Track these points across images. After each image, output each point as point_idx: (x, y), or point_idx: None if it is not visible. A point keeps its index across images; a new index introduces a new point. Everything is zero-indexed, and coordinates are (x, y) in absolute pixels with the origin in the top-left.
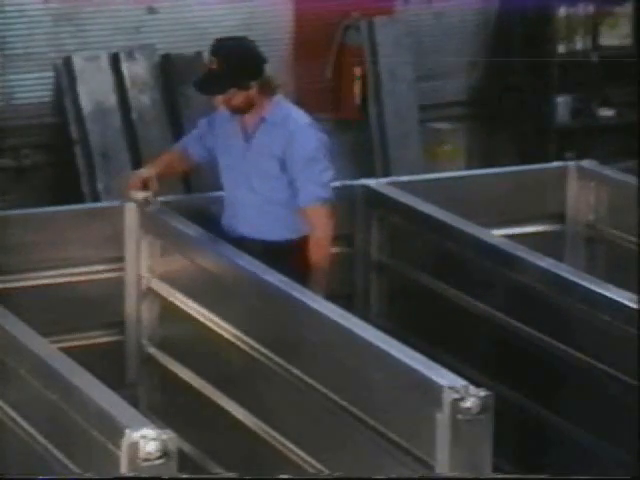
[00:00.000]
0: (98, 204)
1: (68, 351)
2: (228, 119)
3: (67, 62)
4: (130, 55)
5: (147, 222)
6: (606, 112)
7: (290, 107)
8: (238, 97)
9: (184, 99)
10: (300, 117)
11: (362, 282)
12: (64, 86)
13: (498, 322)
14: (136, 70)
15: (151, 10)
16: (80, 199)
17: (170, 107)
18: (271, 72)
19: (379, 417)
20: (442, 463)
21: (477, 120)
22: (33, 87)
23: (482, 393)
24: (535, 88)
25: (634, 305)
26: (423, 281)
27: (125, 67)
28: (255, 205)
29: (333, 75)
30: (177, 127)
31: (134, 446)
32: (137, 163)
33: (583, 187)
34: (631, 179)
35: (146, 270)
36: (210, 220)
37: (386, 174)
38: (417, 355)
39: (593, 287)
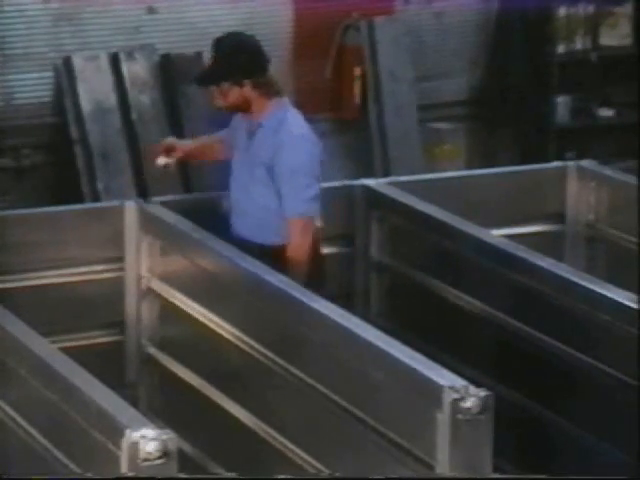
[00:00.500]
0: (98, 204)
1: (68, 351)
2: (239, 120)
3: (67, 62)
4: (130, 55)
5: (147, 222)
6: (606, 112)
7: (289, 113)
8: (233, 93)
9: (184, 99)
10: (295, 126)
11: (362, 282)
12: (64, 86)
13: (498, 322)
14: (136, 70)
15: (151, 10)
16: (80, 199)
17: (170, 107)
18: (273, 74)
19: (379, 417)
20: (442, 463)
21: (477, 120)
22: (33, 87)
23: (482, 393)
24: (535, 88)
25: (634, 305)
26: (423, 281)
27: (125, 67)
28: (250, 208)
29: (333, 75)
30: (177, 127)
31: (134, 446)
32: (137, 163)
33: (583, 187)
34: (631, 179)
35: (146, 270)
36: (213, 219)
37: (386, 174)
38: (417, 355)
39: (593, 287)
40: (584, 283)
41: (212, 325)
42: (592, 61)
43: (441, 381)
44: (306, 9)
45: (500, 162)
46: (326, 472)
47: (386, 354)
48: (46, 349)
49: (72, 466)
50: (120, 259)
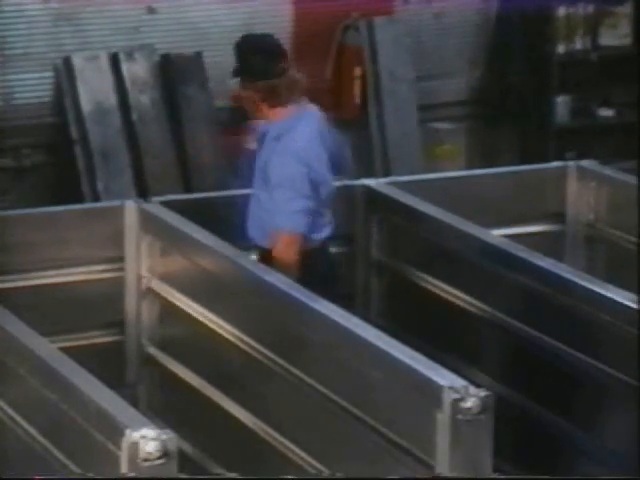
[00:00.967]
0: (98, 204)
1: (68, 351)
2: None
3: (67, 62)
4: (130, 55)
5: (147, 222)
6: (606, 112)
7: (300, 122)
8: (243, 94)
9: (184, 99)
10: (293, 139)
11: (362, 282)
12: (64, 86)
13: (498, 322)
14: (136, 70)
15: (151, 10)
16: (80, 199)
17: (170, 107)
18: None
19: (379, 417)
20: (442, 463)
21: (477, 120)
22: (33, 87)
23: (482, 393)
24: (535, 88)
25: (634, 305)
26: (423, 281)
27: (125, 67)
28: (256, 210)
29: (333, 75)
30: (177, 127)
31: (134, 446)
32: (137, 163)
33: (583, 187)
34: (631, 179)
35: (146, 270)
36: (213, 219)
37: (386, 174)
38: (417, 355)
39: (593, 287)
40: (584, 283)
41: (212, 325)
42: (592, 61)
43: (441, 381)
44: (306, 9)
45: (500, 162)
46: (326, 472)
47: (386, 354)
48: (46, 349)
49: (72, 466)
50: (120, 259)
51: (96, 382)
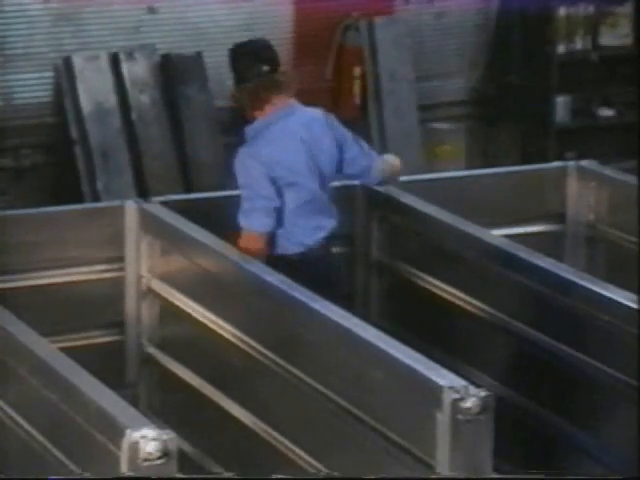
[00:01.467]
0: (98, 204)
1: (68, 351)
2: None
3: (67, 62)
4: (130, 55)
5: (147, 222)
6: (606, 112)
7: (268, 126)
8: (235, 96)
9: (184, 99)
10: (259, 142)
11: (362, 282)
12: (64, 86)
13: (498, 322)
14: (136, 70)
15: (151, 10)
16: (80, 199)
17: (170, 107)
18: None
19: (379, 417)
20: (442, 463)
21: (477, 120)
22: (33, 87)
23: (482, 393)
24: (535, 88)
25: (634, 305)
26: (423, 281)
27: (125, 67)
28: None
29: (333, 75)
30: (177, 127)
31: (134, 446)
32: (137, 163)
33: (583, 187)
34: (631, 179)
35: (146, 270)
36: (213, 219)
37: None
38: (417, 355)
39: (593, 287)
40: (584, 283)
41: (212, 325)
42: (592, 61)
43: (441, 381)
44: (306, 9)
45: (500, 162)
46: (326, 472)
47: (386, 354)
48: (46, 349)
49: (72, 466)
50: (120, 259)
51: (96, 382)
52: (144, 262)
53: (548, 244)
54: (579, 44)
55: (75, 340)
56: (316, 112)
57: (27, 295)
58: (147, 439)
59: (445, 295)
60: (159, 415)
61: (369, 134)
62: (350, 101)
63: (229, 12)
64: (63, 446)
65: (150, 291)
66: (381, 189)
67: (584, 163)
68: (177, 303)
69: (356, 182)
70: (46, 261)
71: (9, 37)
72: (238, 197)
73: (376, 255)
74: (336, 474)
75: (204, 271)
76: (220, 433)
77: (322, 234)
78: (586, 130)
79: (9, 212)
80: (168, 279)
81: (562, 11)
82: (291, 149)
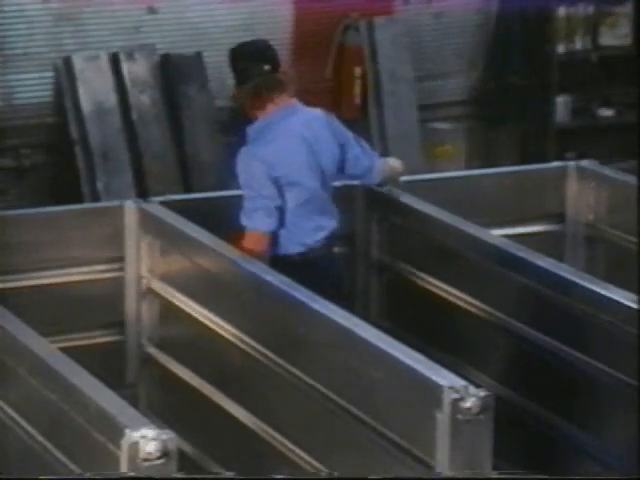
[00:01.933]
0: (98, 204)
1: (68, 351)
2: None
3: (67, 62)
4: (130, 55)
5: (147, 222)
6: (606, 112)
7: (269, 125)
8: (236, 96)
9: (184, 99)
10: (260, 142)
11: (362, 282)
12: (64, 86)
13: (498, 322)
14: (136, 70)
15: (151, 10)
16: (80, 199)
17: (170, 107)
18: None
19: (379, 417)
20: (442, 463)
21: (477, 120)
22: (33, 87)
23: (482, 393)
24: (535, 88)
25: (634, 305)
26: (423, 281)
27: (125, 67)
28: None
29: (333, 75)
30: (177, 127)
31: (134, 446)
32: (137, 163)
33: (583, 187)
34: (631, 179)
35: (146, 270)
36: (213, 219)
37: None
38: (417, 355)
39: (593, 287)
40: (584, 283)
41: (212, 325)
42: (592, 61)
43: (441, 381)
44: (306, 9)
45: (500, 162)
46: (326, 472)
47: (386, 354)
48: (46, 349)
49: (72, 466)
50: (120, 259)
51: (96, 382)
52: (144, 262)
53: (548, 244)
54: (579, 44)
55: (75, 340)
56: (317, 112)
57: (27, 295)
58: (147, 439)
59: (445, 295)
60: (159, 415)
61: (369, 134)
62: (350, 101)
63: (229, 12)
64: (63, 446)
65: (150, 291)
66: (381, 189)
67: (584, 163)
68: (177, 303)
69: (357, 182)
70: (46, 261)
71: (9, 37)
72: (238, 197)
73: (376, 255)
74: (336, 474)
75: (204, 271)
76: (220, 433)
77: (323, 234)
78: (586, 130)
79: (9, 212)
80: (168, 279)
81: (562, 11)
82: (292, 148)
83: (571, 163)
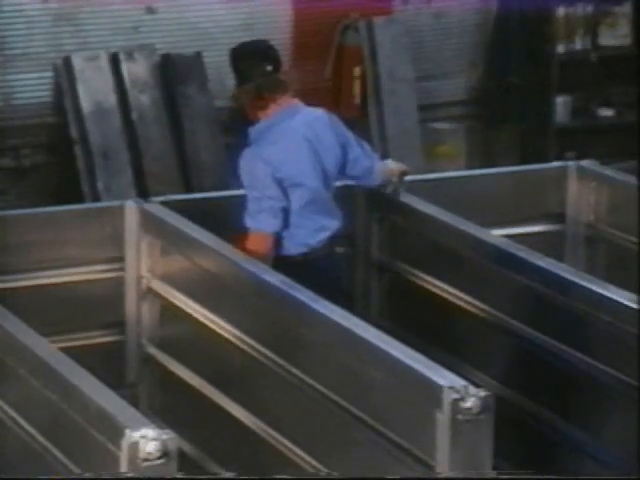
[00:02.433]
0: (98, 204)
1: (68, 351)
2: None
3: (67, 62)
4: (130, 55)
5: (147, 222)
6: (606, 112)
7: (273, 126)
8: (238, 99)
9: (184, 99)
10: (263, 142)
11: (362, 282)
12: (64, 86)
13: (498, 322)
14: (136, 70)
15: (150, 10)
16: (80, 199)
17: (170, 107)
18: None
19: (379, 417)
20: (442, 463)
21: (477, 120)
22: (33, 87)
23: (482, 393)
24: (535, 88)
25: (634, 305)
26: (423, 281)
27: (125, 67)
28: None
29: (332, 75)
30: (177, 127)
31: (134, 446)
32: (137, 163)
33: (583, 187)
34: (631, 179)
35: (146, 270)
36: (213, 219)
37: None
38: (417, 355)
39: (593, 287)
40: (584, 283)
41: (212, 325)
42: (592, 61)
43: (441, 381)
44: (306, 9)
45: (500, 162)
46: (326, 472)
47: (386, 354)
48: (46, 349)
49: (72, 466)
50: (120, 259)
51: (96, 382)
52: (144, 262)
53: (548, 244)
54: (579, 44)
55: (75, 340)
56: (319, 112)
57: (27, 295)
58: (147, 439)
59: (445, 295)
60: (159, 415)
61: (369, 134)
62: (350, 101)
63: (229, 12)
64: (63, 446)
65: (150, 291)
66: (384, 190)
67: (584, 163)
68: (177, 303)
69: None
70: (46, 261)
71: (9, 37)
72: (238, 197)
73: (376, 255)
74: (336, 474)
75: (204, 271)
76: (220, 433)
77: (325, 234)
78: (586, 130)
79: (9, 212)
80: (168, 279)
81: (561, 11)
82: (296, 149)
83: (571, 163)
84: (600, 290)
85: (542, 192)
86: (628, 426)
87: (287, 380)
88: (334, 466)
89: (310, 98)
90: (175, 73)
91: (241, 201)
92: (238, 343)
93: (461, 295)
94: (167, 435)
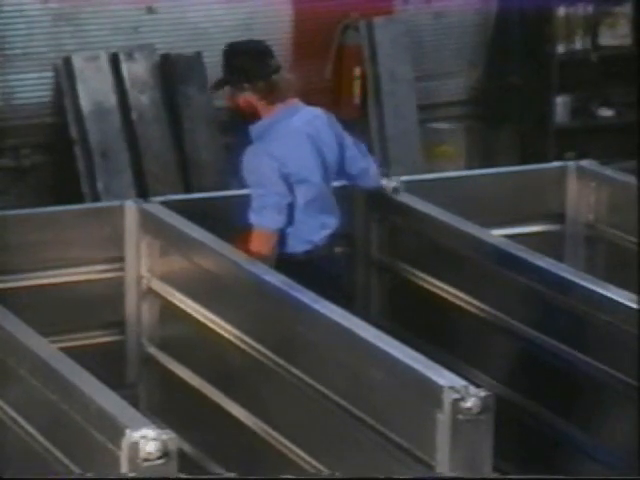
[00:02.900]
0: (98, 204)
1: (68, 351)
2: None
3: (67, 62)
4: (130, 55)
5: (147, 222)
6: (606, 112)
7: (278, 122)
8: (237, 98)
9: (184, 99)
10: (270, 138)
11: (362, 282)
12: (64, 86)
13: (498, 322)
14: (136, 70)
15: (150, 10)
16: (80, 199)
17: (170, 107)
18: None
19: (379, 417)
20: (442, 463)
21: (477, 120)
22: (33, 87)
23: (482, 393)
24: (535, 88)
25: (634, 305)
26: (423, 281)
27: (125, 67)
28: None
29: (333, 75)
30: (177, 127)
31: (134, 446)
32: (137, 163)
33: (583, 187)
34: (631, 179)
35: (146, 270)
36: (213, 219)
37: (386, 174)
38: (417, 355)
39: (593, 287)
40: (584, 283)
41: (212, 325)
42: (592, 61)
43: (441, 381)
44: (306, 9)
45: (500, 162)
46: (326, 472)
47: (386, 354)
48: (46, 349)
49: (72, 466)
50: (120, 259)
51: (96, 382)
52: (144, 262)
53: (548, 244)
54: (578, 44)
55: (75, 340)
56: (318, 110)
57: (27, 295)
58: (147, 439)
59: (445, 295)
60: (159, 415)
61: (369, 134)
62: (350, 101)
63: (229, 12)
64: (63, 446)
65: (150, 291)
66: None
67: (584, 163)
68: (177, 303)
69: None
70: (46, 261)
71: (9, 37)
72: (238, 197)
73: (376, 255)
74: (336, 474)
75: (204, 271)
76: (220, 433)
77: (327, 232)
78: (586, 130)
79: (9, 212)
80: (168, 279)
81: (561, 11)
82: (299, 145)
83: (571, 163)
84: (600, 290)
85: (542, 192)
86: (628, 426)
87: (287, 380)
88: (334, 466)
89: (310, 98)
90: (175, 73)
91: (241, 201)
92: (238, 343)
93: (461, 295)
94: (167, 435)
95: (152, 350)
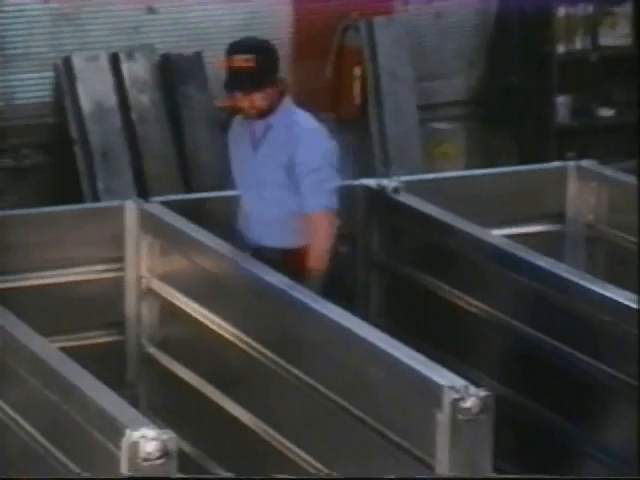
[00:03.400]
0: (98, 204)
1: (68, 351)
2: (240, 123)
3: (67, 62)
4: (130, 55)
5: (147, 222)
6: (606, 112)
7: (297, 112)
8: (269, 96)
9: (184, 99)
10: (307, 122)
11: (363, 282)
12: (64, 86)
13: (498, 322)
14: (136, 70)
15: (151, 10)
16: (80, 199)
17: (170, 107)
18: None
19: (379, 417)
20: (442, 463)
21: (477, 120)
22: (33, 87)
23: (482, 393)
24: (535, 88)
25: (634, 305)
26: (423, 281)
27: (125, 67)
28: (267, 215)
29: (333, 75)
30: (177, 127)
31: (134, 446)
32: (137, 163)
33: (583, 187)
34: (631, 179)
35: (146, 270)
36: (213, 219)
37: (386, 174)
38: (417, 355)
39: (593, 287)
40: (584, 283)
41: (212, 325)
42: (592, 61)
43: (441, 381)
44: (306, 9)
45: (500, 162)
46: (326, 472)
47: (386, 354)
48: (46, 349)
49: (72, 466)
50: (120, 259)
51: (96, 382)
52: (144, 262)
53: (548, 244)
54: (579, 44)
55: (75, 340)
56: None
57: (27, 295)
58: (147, 439)
59: (445, 295)
60: (159, 415)
61: (369, 134)
62: (350, 101)
63: (229, 12)
64: (63, 446)
65: (150, 291)
66: (381, 189)
67: (584, 163)
68: (177, 303)
69: (356, 182)
70: (46, 261)
71: (9, 37)
72: (238, 197)
73: (376, 255)
74: (336, 474)
75: (204, 271)
76: (220, 433)
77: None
78: (586, 130)
79: (9, 212)
80: (168, 279)
81: (562, 11)
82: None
83: (571, 163)
84: (600, 290)
85: (542, 192)
86: (628, 426)
87: (287, 380)
88: (334, 466)
89: (310, 98)
90: (175, 73)
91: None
92: (238, 343)
93: (461, 295)
94: (167, 435)
95: (152, 350)
